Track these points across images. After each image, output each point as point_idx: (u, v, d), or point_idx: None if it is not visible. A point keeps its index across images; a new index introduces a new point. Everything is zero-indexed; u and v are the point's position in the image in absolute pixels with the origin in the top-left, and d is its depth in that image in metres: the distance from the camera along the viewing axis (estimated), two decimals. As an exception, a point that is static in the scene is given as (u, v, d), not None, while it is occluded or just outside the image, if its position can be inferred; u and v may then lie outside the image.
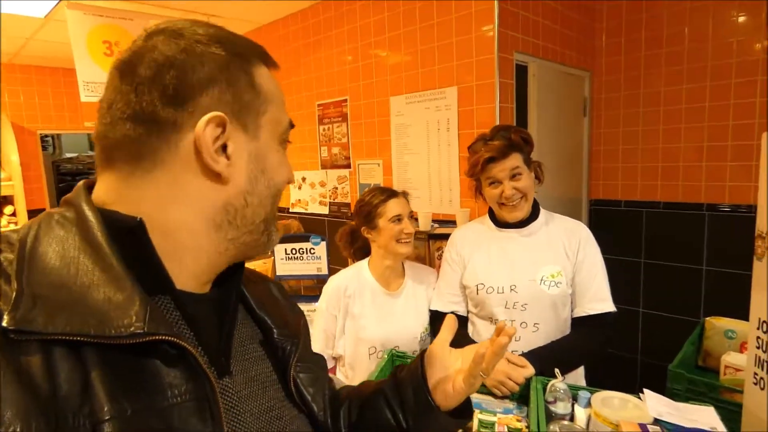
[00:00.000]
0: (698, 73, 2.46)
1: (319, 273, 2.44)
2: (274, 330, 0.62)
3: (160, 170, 0.49)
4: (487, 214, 1.59)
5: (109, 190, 0.50)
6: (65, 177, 4.69)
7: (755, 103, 2.29)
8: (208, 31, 0.51)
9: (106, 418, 0.39)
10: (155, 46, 0.49)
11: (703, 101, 2.45)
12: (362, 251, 1.74)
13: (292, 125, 0.59)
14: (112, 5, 2.59)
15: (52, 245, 0.44)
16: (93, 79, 2.46)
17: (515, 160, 1.42)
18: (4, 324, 0.38)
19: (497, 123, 2.08)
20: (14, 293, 0.40)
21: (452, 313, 1.55)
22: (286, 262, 2.44)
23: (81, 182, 0.51)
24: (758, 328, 1.04)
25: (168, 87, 0.47)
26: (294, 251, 2.43)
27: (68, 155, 4.94)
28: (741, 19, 2.31)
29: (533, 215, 1.50)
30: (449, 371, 0.69)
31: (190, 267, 0.51)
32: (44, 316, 0.40)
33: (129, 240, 0.46)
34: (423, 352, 0.72)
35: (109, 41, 2.51)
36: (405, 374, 0.71)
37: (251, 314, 0.63)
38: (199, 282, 0.53)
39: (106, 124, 0.49)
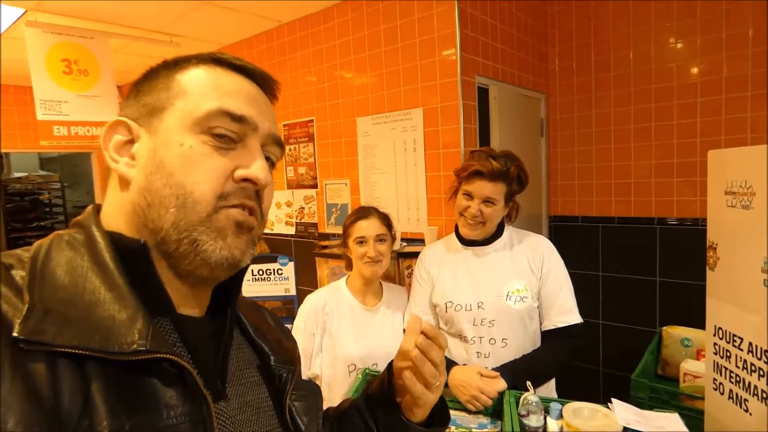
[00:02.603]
0: (644, 95, 2.63)
1: (287, 294, 2.40)
2: (272, 356, 0.62)
3: (109, 183, 0.54)
4: (454, 232, 1.62)
5: (106, 209, 0.54)
6: (13, 197, 4.45)
7: (696, 123, 2.46)
8: (170, 58, 0.56)
9: (105, 431, 0.40)
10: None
11: (649, 121, 2.62)
12: None
13: (225, 112, 0.51)
14: (73, 23, 2.52)
15: (61, 264, 0.46)
16: (51, 98, 2.39)
17: (498, 188, 1.44)
18: (15, 333, 0.40)
19: (462, 143, 2.14)
20: (26, 305, 0.42)
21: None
22: (253, 283, 2.39)
23: (90, 206, 0.54)
24: (714, 335, 1.10)
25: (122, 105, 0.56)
26: (261, 272, 2.38)
27: (17, 174, 4.71)
28: (679, 45, 2.49)
29: (497, 233, 1.54)
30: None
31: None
32: (54, 328, 0.41)
33: (134, 262, 0.48)
34: (391, 363, 0.70)
35: (69, 59, 2.45)
36: (374, 389, 0.72)
37: (249, 340, 0.63)
38: (183, 304, 0.53)
39: None
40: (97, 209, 0.53)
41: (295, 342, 0.72)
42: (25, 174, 4.89)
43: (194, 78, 0.52)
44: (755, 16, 2.26)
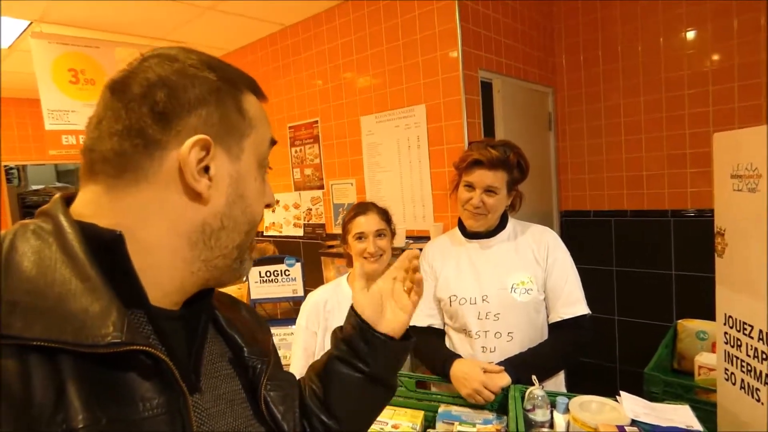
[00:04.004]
0: (653, 86, 2.57)
1: (295, 295, 2.40)
2: (245, 348, 0.62)
3: (143, 184, 0.49)
4: (457, 226, 1.60)
5: (89, 202, 0.50)
6: (31, 210, 4.55)
7: (709, 112, 2.40)
8: (201, 58, 0.53)
9: (80, 426, 0.39)
10: (149, 66, 0.50)
11: (660, 112, 2.56)
12: None
13: (273, 142, 0.59)
14: (78, 33, 2.57)
15: (27, 254, 0.44)
16: (58, 107, 2.43)
17: (499, 177, 1.41)
18: None
19: (466, 138, 2.12)
20: None
21: (429, 326, 1.56)
22: (261, 285, 2.39)
23: (57, 195, 0.51)
24: (725, 324, 1.07)
25: (158, 104, 0.48)
26: (269, 273, 2.39)
27: (34, 187, 4.80)
28: (690, 33, 2.43)
29: (501, 225, 1.51)
30: (382, 307, 0.78)
31: (161, 284, 0.51)
32: (22, 321, 0.40)
33: (107, 253, 0.46)
34: (351, 306, 0.78)
35: (75, 69, 2.49)
36: (348, 331, 0.76)
37: (221, 333, 0.62)
38: (170, 300, 0.53)
39: (94, 138, 0.50)
40: (65, 198, 0.51)
41: (270, 333, 0.72)
42: (42, 186, 5.00)
43: (255, 108, 0.56)
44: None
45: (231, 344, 0.62)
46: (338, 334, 0.78)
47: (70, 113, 2.43)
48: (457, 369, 1.36)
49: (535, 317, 1.44)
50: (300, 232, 3.05)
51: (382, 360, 0.75)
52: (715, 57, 2.36)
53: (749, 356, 0.97)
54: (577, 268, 1.49)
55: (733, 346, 1.03)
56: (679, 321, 1.90)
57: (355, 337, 0.74)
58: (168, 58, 0.51)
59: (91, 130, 0.51)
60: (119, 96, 0.49)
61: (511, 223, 1.54)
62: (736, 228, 1.02)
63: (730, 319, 1.04)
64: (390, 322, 0.76)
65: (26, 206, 4.76)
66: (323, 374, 0.76)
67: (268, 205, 0.60)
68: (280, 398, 0.63)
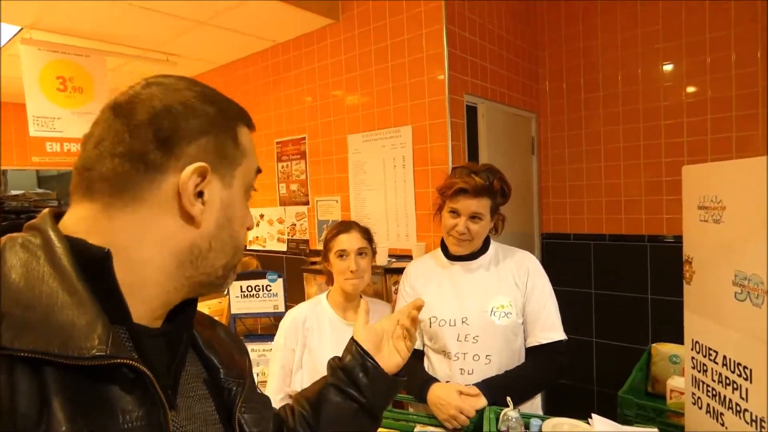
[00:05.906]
0: (632, 115, 2.67)
1: (276, 310, 2.39)
2: (221, 370, 0.63)
3: (139, 205, 0.51)
4: (440, 247, 1.62)
5: (81, 219, 0.51)
6: (9, 215, 4.44)
7: (683, 143, 2.49)
8: (203, 90, 0.57)
9: None
10: (154, 94, 0.53)
11: (638, 140, 2.65)
12: None
13: (259, 170, 0.63)
14: (70, 41, 2.57)
15: (16, 266, 0.45)
16: (43, 114, 2.41)
17: (483, 203, 1.44)
18: None
19: (450, 160, 2.17)
20: None
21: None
22: (242, 299, 2.38)
23: (46, 210, 0.52)
24: (692, 349, 1.10)
25: (162, 131, 0.51)
26: (250, 288, 2.38)
27: (14, 192, 4.70)
28: (666, 66, 2.54)
29: (483, 248, 1.54)
30: (380, 344, 0.85)
31: (147, 301, 0.53)
32: (11, 332, 0.41)
33: (94, 269, 0.48)
34: (351, 338, 0.84)
35: (63, 76, 2.48)
36: (348, 362, 0.81)
37: (198, 354, 0.63)
38: (152, 316, 0.54)
39: (93, 157, 0.52)
40: (54, 214, 0.52)
41: (247, 353, 0.73)
42: (22, 192, 4.89)
43: (247, 139, 0.60)
44: (737, 41, 2.31)
45: (207, 365, 0.63)
46: (336, 363, 0.82)
47: (55, 120, 2.41)
48: (433, 394, 1.37)
49: (513, 340, 1.46)
50: (283, 247, 3.04)
51: (377, 393, 0.79)
52: (690, 90, 2.47)
53: (714, 381, 1.00)
54: (556, 290, 1.53)
55: (699, 371, 1.07)
56: (653, 344, 1.94)
57: (355, 366, 0.80)
58: (172, 88, 0.54)
59: (89, 149, 0.52)
60: (123, 120, 0.51)
61: (494, 246, 1.57)
62: (702, 257, 1.06)
63: (697, 345, 1.08)
64: (384, 360, 0.82)
65: (5, 211, 4.63)
66: (315, 400, 0.78)
67: (248, 229, 0.63)
68: (254, 420, 0.64)
